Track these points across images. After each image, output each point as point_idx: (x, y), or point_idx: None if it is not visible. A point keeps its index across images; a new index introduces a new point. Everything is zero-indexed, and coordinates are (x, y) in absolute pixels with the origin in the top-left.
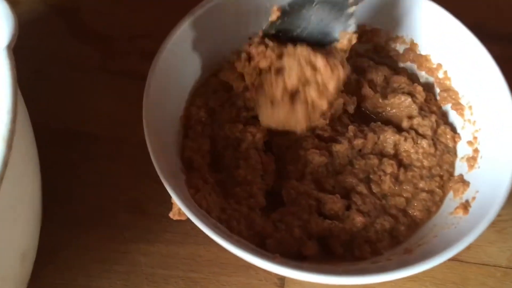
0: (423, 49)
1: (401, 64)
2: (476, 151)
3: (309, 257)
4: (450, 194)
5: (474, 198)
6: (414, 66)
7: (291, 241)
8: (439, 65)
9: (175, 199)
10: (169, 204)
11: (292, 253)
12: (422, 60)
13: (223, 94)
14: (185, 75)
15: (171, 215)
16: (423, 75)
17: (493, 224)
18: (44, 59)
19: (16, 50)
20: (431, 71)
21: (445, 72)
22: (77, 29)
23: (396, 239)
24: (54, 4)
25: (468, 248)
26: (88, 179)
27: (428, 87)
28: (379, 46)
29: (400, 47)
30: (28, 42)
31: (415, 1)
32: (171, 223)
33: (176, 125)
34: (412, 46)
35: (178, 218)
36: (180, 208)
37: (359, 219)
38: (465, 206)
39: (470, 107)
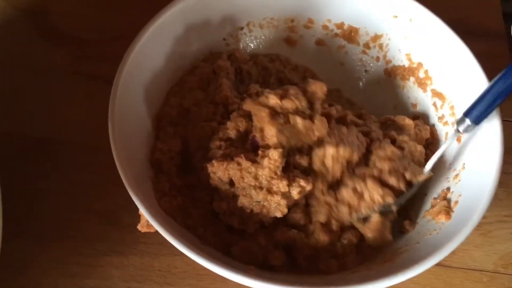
0: (403, 49)
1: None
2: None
3: (276, 267)
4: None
5: (457, 202)
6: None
7: (256, 250)
8: (420, 64)
9: (140, 208)
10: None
11: (259, 262)
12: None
13: (199, 93)
14: (158, 75)
15: (139, 227)
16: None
17: (478, 227)
18: (13, 64)
19: None
20: (411, 71)
21: (426, 72)
22: (47, 32)
23: (362, 254)
24: (23, 7)
25: (453, 252)
26: (57, 189)
27: None
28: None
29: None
30: None
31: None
32: (145, 233)
33: (148, 129)
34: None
35: (147, 230)
36: (147, 219)
37: (322, 238)
38: (448, 211)
39: (452, 107)
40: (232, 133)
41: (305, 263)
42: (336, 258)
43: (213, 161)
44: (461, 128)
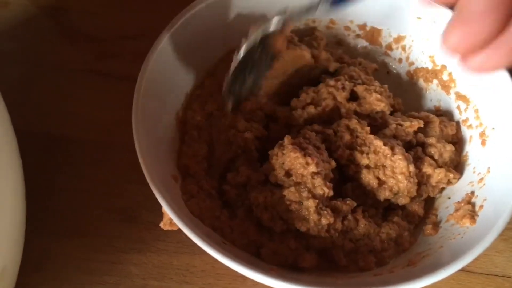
0: (426, 51)
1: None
2: None
3: (307, 268)
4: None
5: (481, 206)
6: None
7: (286, 252)
8: (443, 67)
9: (164, 207)
10: (161, 212)
11: (288, 264)
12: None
13: (220, 97)
14: (179, 77)
15: (161, 225)
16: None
17: (501, 233)
18: (33, 62)
19: (5, 53)
20: (434, 73)
21: (450, 74)
22: (67, 30)
23: (402, 246)
24: (44, 5)
25: (475, 257)
26: (74, 186)
27: None
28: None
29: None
30: (17, 44)
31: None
32: (164, 231)
33: (171, 130)
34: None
35: (169, 228)
36: (171, 218)
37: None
38: (472, 215)
39: (476, 111)
40: None
41: (344, 262)
42: (374, 253)
43: (289, 146)
44: None
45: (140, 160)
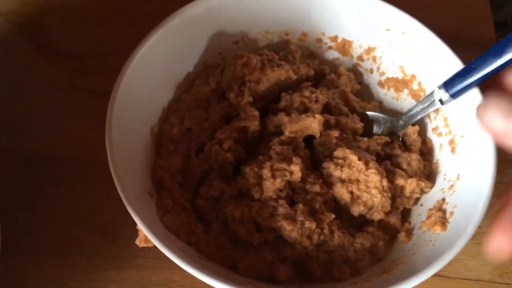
0: (396, 61)
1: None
2: None
3: (283, 281)
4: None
5: (452, 213)
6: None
7: (262, 265)
8: (413, 76)
9: (139, 224)
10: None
11: (265, 277)
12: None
13: (198, 112)
14: (154, 92)
15: (137, 242)
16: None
17: (474, 237)
18: (9, 80)
19: None
20: (404, 83)
21: (419, 84)
22: (45, 47)
23: (377, 255)
24: (21, 22)
25: (449, 262)
26: (53, 204)
27: None
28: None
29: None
30: None
31: (384, 10)
32: (142, 247)
33: (146, 144)
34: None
35: (145, 245)
36: (145, 235)
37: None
38: (443, 222)
39: (445, 119)
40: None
41: (319, 273)
42: (349, 263)
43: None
44: (438, 97)
45: (114, 177)
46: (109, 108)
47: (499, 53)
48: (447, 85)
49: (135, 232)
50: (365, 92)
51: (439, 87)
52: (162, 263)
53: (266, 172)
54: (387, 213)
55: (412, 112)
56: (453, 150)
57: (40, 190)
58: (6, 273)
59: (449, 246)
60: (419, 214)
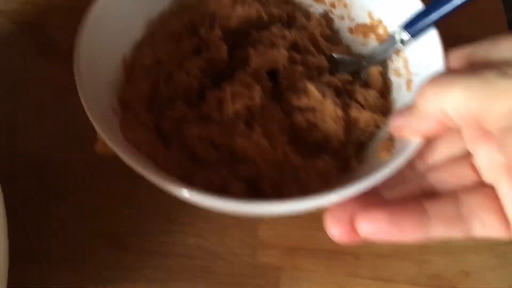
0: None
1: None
2: None
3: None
4: None
5: (400, 142)
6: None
7: (217, 180)
8: (380, 21)
9: (97, 128)
10: (151, 237)
11: (218, 191)
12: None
13: (171, 46)
14: (128, 24)
15: (96, 148)
16: None
17: (493, 249)
18: (10, 81)
19: None
20: (372, 28)
21: (385, 28)
22: (44, 47)
23: (327, 180)
24: (21, 21)
25: (466, 275)
26: (62, 212)
27: None
28: None
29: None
30: None
31: None
32: (152, 257)
33: (117, 70)
34: None
35: (104, 151)
36: (105, 141)
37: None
38: (389, 148)
39: (405, 60)
40: None
41: (270, 190)
42: (299, 184)
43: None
44: (398, 37)
45: (79, 89)
46: (79, 27)
47: None
48: (407, 26)
49: (146, 241)
50: (335, 38)
51: (400, 28)
52: (173, 275)
53: (226, 95)
54: (342, 145)
55: (375, 52)
56: (409, 88)
57: (48, 196)
58: (15, 280)
59: (390, 165)
60: (372, 147)
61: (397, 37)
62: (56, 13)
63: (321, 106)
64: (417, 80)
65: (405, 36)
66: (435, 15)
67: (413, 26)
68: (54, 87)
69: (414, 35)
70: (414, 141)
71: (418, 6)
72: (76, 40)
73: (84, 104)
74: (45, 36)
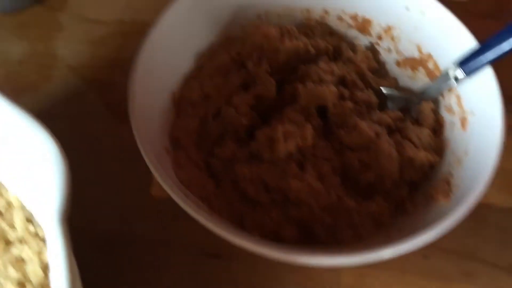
0: (414, 40)
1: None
2: None
3: (287, 240)
4: None
5: (457, 186)
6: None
7: (269, 223)
8: (429, 56)
9: (154, 172)
10: None
11: (270, 234)
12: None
13: (218, 79)
14: (177, 59)
15: (152, 192)
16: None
17: None
18: (80, 142)
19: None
20: (421, 62)
21: (435, 63)
22: (114, 106)
23: (380, 223)
24: (89, 78)
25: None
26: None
27: None
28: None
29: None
30: (62, 122)
31: None
32: None
33: (167, 107)
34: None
35: (159, 194)
36: (160, 184)
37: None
38: (447, 193)
39: (457, 97)
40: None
41: (323, 234)
42: (352, 228)
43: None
44: (453, 74)
45: (135, 134)
46: (131, 72)
47: None
48: (462, 63)
49: None
50: (382, 71)
51: (454, 65)
52: None
53: (277, 135)
54: (395, 184)
55: (427, 89)
56: (463, 127)
57: (122, 274)
58: None
59: (450, 214)
60: (426, 187)
61: (451, 75)
62: (124, 68)
63: (374, 145)
64: (472, 120)
65: (460, 74)
66: (491, 54)
67: (468, 64)
68: (126, 150)
69: (469, 73)
70: (476, 187)
71: (472, 43)
72: (128, 84)
73: (140, 147)
74: (114, 92)
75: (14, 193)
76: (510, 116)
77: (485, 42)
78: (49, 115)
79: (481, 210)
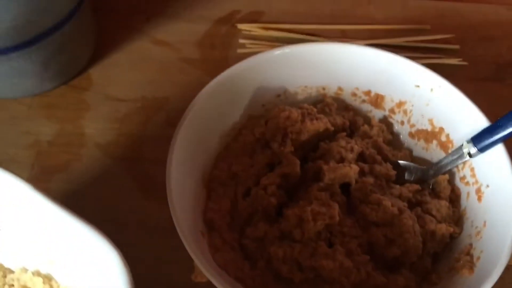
0: (425, 114)
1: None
2: None
3: None
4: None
5: (479, 258)
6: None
7: None
8: (441, 129)
9: (195, 260)
10: None
11: None
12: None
13: (245, 159)
14: (205, 142)
15: (193, 277)
16: None
17: None
18: (112, 220)
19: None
20: (433, 134)
21: (447, 136)
22: (144, 183)
23: None
24: (116, 155)
25: None
26: None
27: None
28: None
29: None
30: (94, 203)
31: (413, 69)
32: None
33: (199, 189)
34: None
35: (200, 280)
36: (201, 269)
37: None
38: (471, 266)
39: (472, 169)
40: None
41: None
42: None
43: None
44: (466, 151)
45: (175, 221)
46: (168, 162)
47: None
48: (475, 140)
49: None
50: (396, 142)
51: (468, 142)
52: None
53: (307, 216)
54: (419, 256)
55: (442, 163)
56: (479, 199)
57: None
58: None
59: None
60: (448, 258)
61: (465, 150)
62: (149, 144)
63: (398, 221)
64: (487, 192)
65: (473, 149)
66: (503, 132)
67: (481, 141)
68: (156, 229)
69: (482, 149)
70: (500, 258)
71: (481, 118)
72: (166, 173)
73: (179, 233)
74: (141, 170)
75: None
76: None
77: (497, 121)
78: (81, 196)
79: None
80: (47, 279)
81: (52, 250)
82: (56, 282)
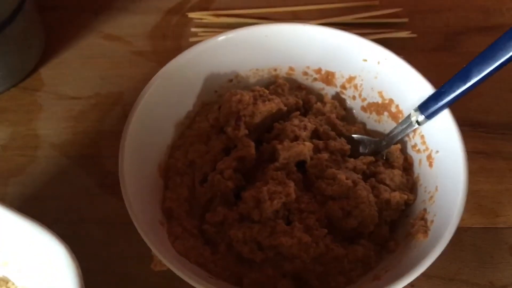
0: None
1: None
2: None
3: None
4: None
5: (432, 221)
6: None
7: (266, 280)
8: (391, 100)
9: (153, 250)
10: None
11: None
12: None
13: (200, 147)
14: (159, 131)
15: (152, 266)
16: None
17: None
18: (72, 218)
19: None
20: (384, 106)
21: (397, 106)
22: (103, 179)
23: (369, 265)
24: (73, 154)
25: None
26: None
27: None
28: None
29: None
30: (52, 203)
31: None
32: None
33: (155, 179)
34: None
35: (160, 268)
36: (160, 258)
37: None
38: (425, 230)
39: (422, 137)
40: None
41: (317, 283)
42: (343, 274)
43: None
44: (415, 119)
45: (129, 211)
46: (120, 150)
47: (464, 79)
48: (422, 107)
49: None
50: (349, 117)
51: (415, 110)
52: None
53: (263, 196)
54: (376, 225)
55: (393, 133)
56: (430, 165)
57: None
58: None
59: (430, 251)
60: (405, 224)
61: (413, 119)
62: (106, 140)
63: (353, 193)
64: (438, 157)
65: (421, 117)
66: (448, 98)
67: (428, 108)
68: (115, 224)
69: (429, 116)
70: (452, 219)
71: (428, 87)
72: (119, 166)
73: (135, 223)
74: (99, 167)
75: None
76: (476, 141)
77: (441, 87)
78: (39, 197)
79: (457, 234)
80: (4, 281)
81: (4, 252)
82: (13, 284)
